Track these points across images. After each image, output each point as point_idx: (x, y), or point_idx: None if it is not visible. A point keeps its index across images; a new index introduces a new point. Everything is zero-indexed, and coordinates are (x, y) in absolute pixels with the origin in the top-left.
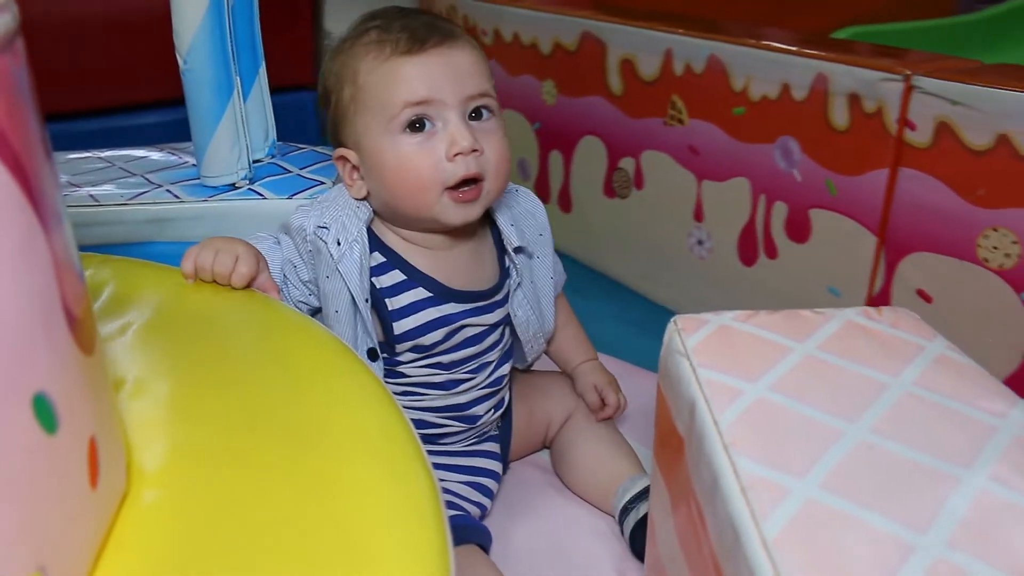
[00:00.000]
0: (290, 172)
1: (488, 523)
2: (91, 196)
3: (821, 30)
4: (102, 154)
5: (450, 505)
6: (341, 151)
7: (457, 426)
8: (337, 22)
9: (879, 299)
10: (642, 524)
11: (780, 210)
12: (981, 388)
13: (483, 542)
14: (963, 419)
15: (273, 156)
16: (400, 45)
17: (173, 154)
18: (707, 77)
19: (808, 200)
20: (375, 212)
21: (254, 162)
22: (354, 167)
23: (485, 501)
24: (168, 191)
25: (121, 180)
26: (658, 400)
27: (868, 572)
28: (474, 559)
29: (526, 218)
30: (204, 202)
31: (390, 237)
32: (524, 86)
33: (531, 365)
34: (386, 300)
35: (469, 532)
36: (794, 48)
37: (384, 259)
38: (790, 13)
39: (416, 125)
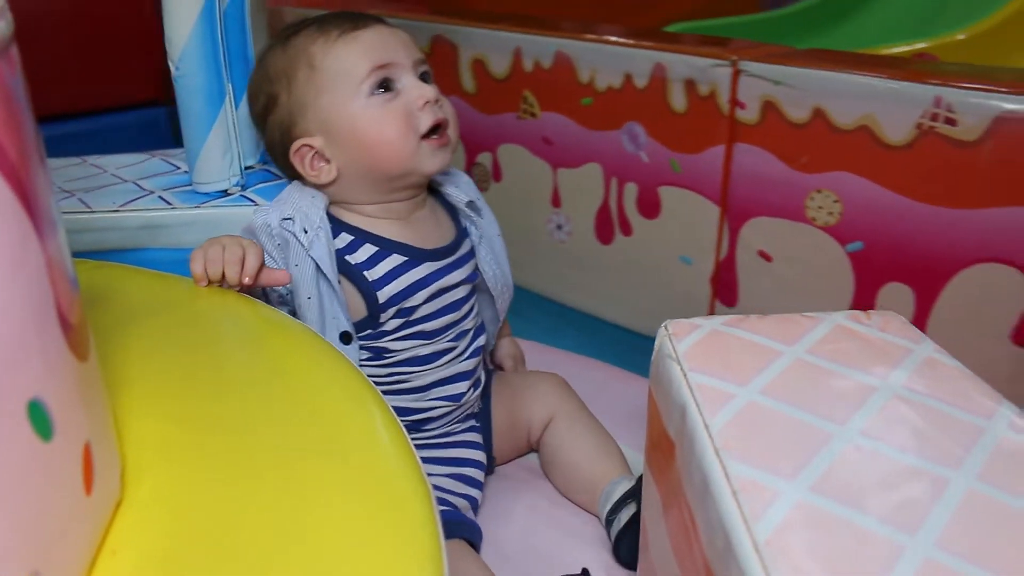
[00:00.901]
0: (281, 178)
1: (478, 523)
2: (83, 202)
3: (650, 26)
4: (93, 160)
5: (438, 500)
6: (301, 141)
7: (442, 406)
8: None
9: (726, 263)
10: (626, 531)
11: (631, 190)
12: (968, 390)
13: (472, 538)
14: (951, 421)
15: (264, 162)
16: (345, 26)
17: (165, 161)
18: (555, 72)
19: (656, 179)
20: (331, 199)
21: (246, 168)
22: (316, 153)
23: (473, 492)
24: (160, 197)
25: (113, 187)
26: (649, 405)
27: (859, 573)
28: (463, 555)
29: (459, 180)
30: (196, 208)
31: (352, 217)
32: None
33: (500, 330)
34: (364, 273)
35: (456, 527)
36: (633, 41)
37: (352, 237)
38: (619, 13)
39: (383, 86)
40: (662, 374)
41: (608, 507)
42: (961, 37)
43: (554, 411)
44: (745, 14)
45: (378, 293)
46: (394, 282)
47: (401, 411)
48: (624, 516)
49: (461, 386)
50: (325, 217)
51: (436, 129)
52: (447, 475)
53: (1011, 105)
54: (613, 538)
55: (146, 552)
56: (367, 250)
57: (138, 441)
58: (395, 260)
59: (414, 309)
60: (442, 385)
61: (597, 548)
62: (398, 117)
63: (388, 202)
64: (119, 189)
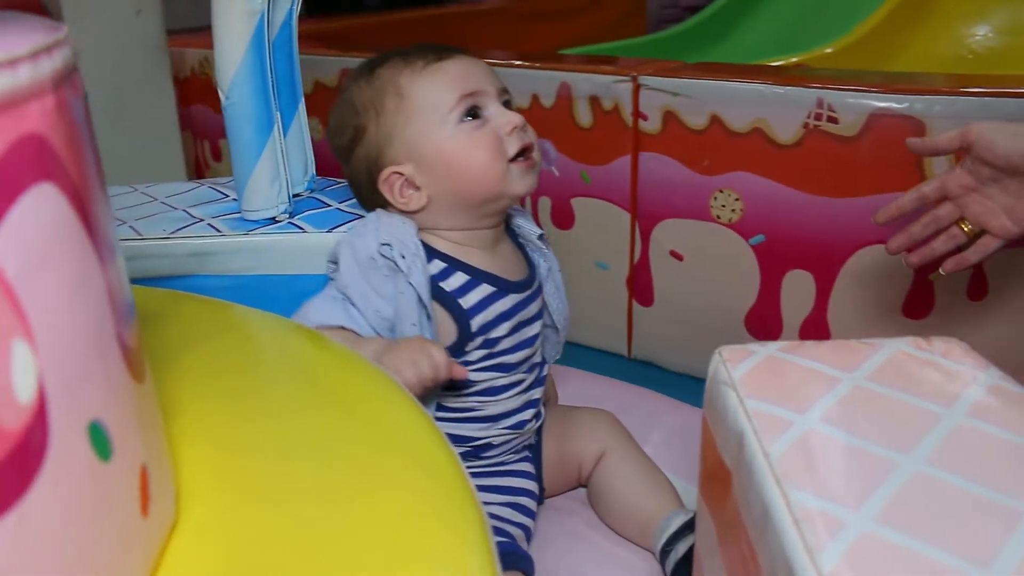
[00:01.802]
0: (329, 206)
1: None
2: (134, 230)
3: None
4: (144, 189)
5: (495, 531)
6: (391, 169)
7: (505, 434)
8: None
9: (640, 265)
10: (684, 563)
11: (545, 203)
12: None
13: (527, 570)
14: (1020, 449)
15: (312, 190)
16: (430, 57)
17: (214, 189)
18: None
19: (568, 191)
20: (420, 226)
21: (294, 196)
22: (406, 180)
23: (527, 521)
24: (209, 225)
25: (163, 214)
26: (704, 433)
27: None
28: None
29: (526, 214)
30: (245, 236)
31: (441, 244)
32: None
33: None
34: (459, 300)
35: (513, 559)
36: (540, 64)
37: (445, 264)
38: (513, 40)
39: (471, 114)
40: (717, 401)
41: (664, 539)
42: (829, 50)
43: (605, 447)
44: (633, 37)
45: (471, 321)
46: (483, 312)
47: (462, 439)
48: (681, 548)
49: (526, 414)
50: (419, 243)
51: (523, 152)
52: (503, 503)
53: (882, 103)
54: (670, 571)
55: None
56: (459, 278)
57: (191, 465)
58: (485, 290)
59: (498, 340)
60: (509, 416)
61: None
62: (488, 143)
63: (476, 229)
64: (169, 217)
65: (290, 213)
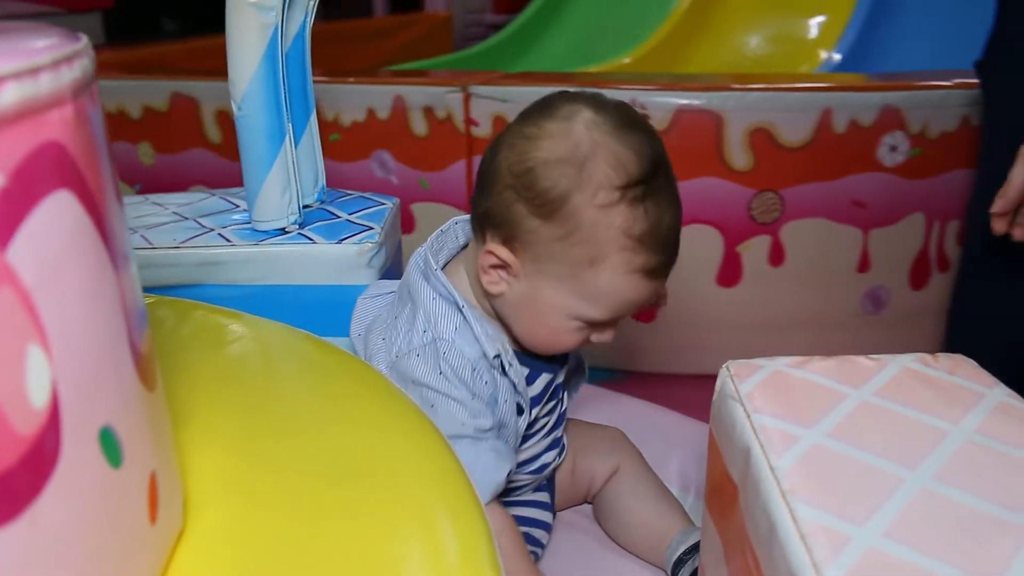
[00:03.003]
0: (339, 217)
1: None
2: (144, 239)
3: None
4: (154, 199)
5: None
6: (505, 254)
7: (527, 479)
8: None
9: None
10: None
11: None
12: None
13: None
14: None
15: (322, 201)
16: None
17: (224, 199)
18: None
19: (408, 197)
20: (490, 308)
21: (304, 207)
22: (504, 267)
23: (537, 551)
24: (220, 235)
25: (173, 224)
26: (710, 447)
27: None
28: None
29: None
30: (255, 246)
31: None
32: (118, 152)
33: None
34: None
35: None
36: (375, 79)
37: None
38: (329, 62)
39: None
40: (724, 415)
41: (680, 552)
42: (626, 60)
43: (617, 466)
44: (440, 55)
45: (532, 411)
46: (543, 403)
47: None
48: (697, 560)
49: (549, 456)
50: (510, 348)
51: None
52: None
53: (685, 100)
54: None
55: None
56: (523, 371)
57: (199, 473)
58: (545, 379)
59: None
60: (534, 461)
61: None
62: (570, 338)
63: None
64: (179, 226)
65: (300, 224)
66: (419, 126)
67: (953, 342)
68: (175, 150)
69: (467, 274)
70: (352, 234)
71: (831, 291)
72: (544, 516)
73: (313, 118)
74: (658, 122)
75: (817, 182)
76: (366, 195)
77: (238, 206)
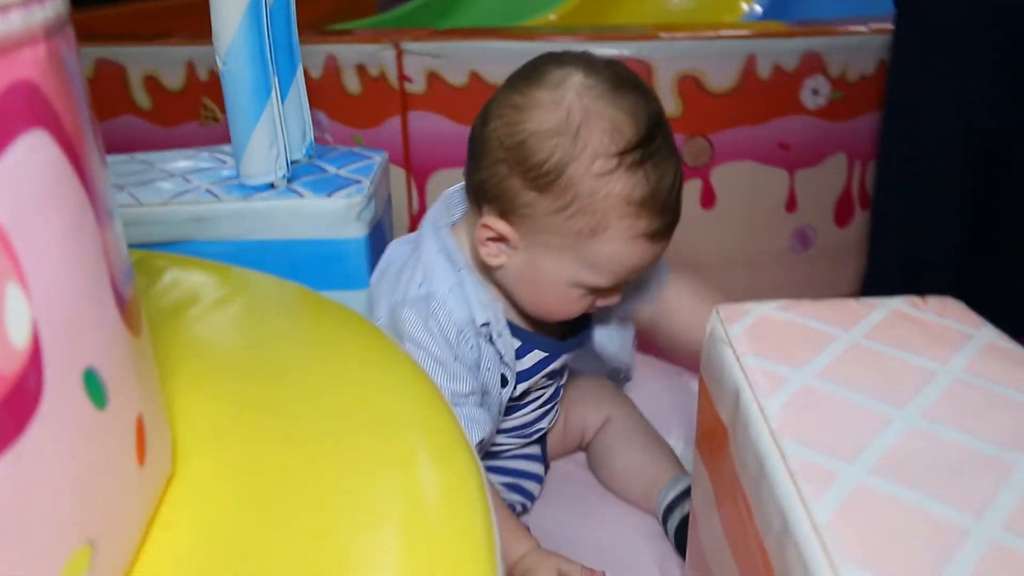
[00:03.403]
0: (328, 172)
1: (528, 520)
2: (132, 196)
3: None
4: (141, 157)
5: None
6: (501, 227)
7: (518, 442)
8: None
9: (419, 216)
10: (685, 525)
11: None
12: None
13: None
14: (1015, 405)
15: (311, 156)
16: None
17: (212, 156)
18: None
19: None
20: (486, 277)
21: (292, 162)
22: (501, 239)
23: (527, 502)
24: (208, 191)
25: (161, 181)
26: (700, 392)
27: (921, 555)
28: None
29: None
30: (243, 201)
31: (500, 299)
32: None
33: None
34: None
35: None
36: (306, 39)
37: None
38: None
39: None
40: (714, 359)
41: (669, 498)
42: (552, 17)
43: (608, 415)
44: (364, 17)
45: (518, 385)
46: (533, 378)
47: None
48: (687, 506)
49: (543, 423)
50: (503, 319)
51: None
52: (503, 484)
53: (614, 51)
54: (672, 532)
55: (199, 526)
56: (514, 343)
57: (188, 419)
58: (536, 355)
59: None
60: (527, 427)
61: (651, 541)
62: (576, 305)
63: None
64: (167, 183)
65: (288, 179)
66: (352, 84)
67: (870, 268)
68: (103, 117)
69: (468, 239)
70: (341, 187)
71: (761, 231)
72: (534, 468)
73: (299, 72)
74: None
75: (744, 126)
76: (355, 150)
77: (226, 162)
